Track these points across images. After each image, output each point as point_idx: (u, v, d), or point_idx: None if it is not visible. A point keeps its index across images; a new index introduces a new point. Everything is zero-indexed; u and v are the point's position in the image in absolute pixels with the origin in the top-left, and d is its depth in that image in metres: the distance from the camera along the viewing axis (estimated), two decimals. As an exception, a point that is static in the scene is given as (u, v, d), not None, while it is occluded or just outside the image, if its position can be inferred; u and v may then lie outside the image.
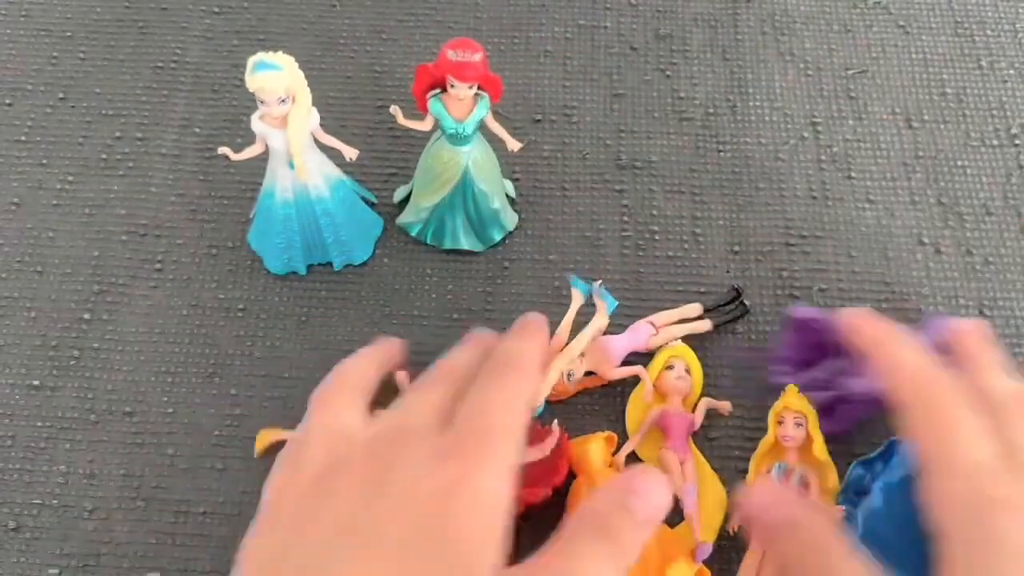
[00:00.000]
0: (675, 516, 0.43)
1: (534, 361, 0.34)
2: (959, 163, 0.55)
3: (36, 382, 0.47)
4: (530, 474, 0.41)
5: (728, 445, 0.46)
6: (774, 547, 0.35)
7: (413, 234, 0.51)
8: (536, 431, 0.42)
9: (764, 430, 0.44)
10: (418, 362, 0.48)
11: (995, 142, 0.55)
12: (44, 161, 0.54)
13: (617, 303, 0.41)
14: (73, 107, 0.56)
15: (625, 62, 0.58)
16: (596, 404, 0.47)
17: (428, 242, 0.51)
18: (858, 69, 0.58)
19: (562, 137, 0.55)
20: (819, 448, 0.43)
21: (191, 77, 0.57)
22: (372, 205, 0.52)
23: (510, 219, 0.51)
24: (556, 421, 0.42)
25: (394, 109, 0.46)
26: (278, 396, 0.47)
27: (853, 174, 0.54)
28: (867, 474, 0.43)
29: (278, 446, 0.43)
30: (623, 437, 0.45)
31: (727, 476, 0.45)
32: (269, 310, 0.50)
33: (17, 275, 0.50)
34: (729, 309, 0.49)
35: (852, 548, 0.29)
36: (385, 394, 0.34)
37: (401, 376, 0.43)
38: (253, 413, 0.47)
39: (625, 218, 0.53)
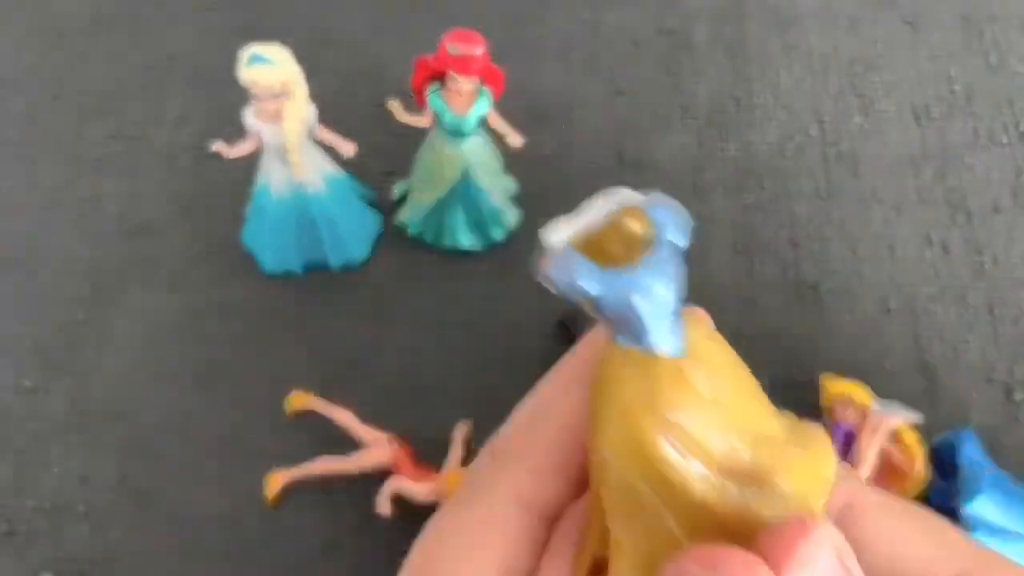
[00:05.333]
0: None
1: None
2: (967, 160, 0.54)
3: (28, 383, 0.47)
4: None
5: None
6: None
7: (412, 232, 0.50)
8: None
9: None
10: (416, 363, 0.48)
11: (1004, 139, 0.54)
12: (37, 160, 0.53)
13: None
14: (66, 104, 0.55)
15: (627, 58, 0.57)
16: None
17: (427, 241, 0.50)
18: (864, 65, 0.57)
19: (564, 134, 0.54)
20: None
21: (186, 74, 0.56)
22: (370, 203, 0.51)
23: (511, 217, 0.51)
24: None
25: (393, 104, 0.45)
26: (273, 397, 0.46)
27: (860, 172, 0.53)
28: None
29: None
30: None
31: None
32: (264, 310, 0.49)
33: (9, 275, 0.50)
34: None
35: None
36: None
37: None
38: (248, 415, 0.46)
39: (628, 216, 0.52)
